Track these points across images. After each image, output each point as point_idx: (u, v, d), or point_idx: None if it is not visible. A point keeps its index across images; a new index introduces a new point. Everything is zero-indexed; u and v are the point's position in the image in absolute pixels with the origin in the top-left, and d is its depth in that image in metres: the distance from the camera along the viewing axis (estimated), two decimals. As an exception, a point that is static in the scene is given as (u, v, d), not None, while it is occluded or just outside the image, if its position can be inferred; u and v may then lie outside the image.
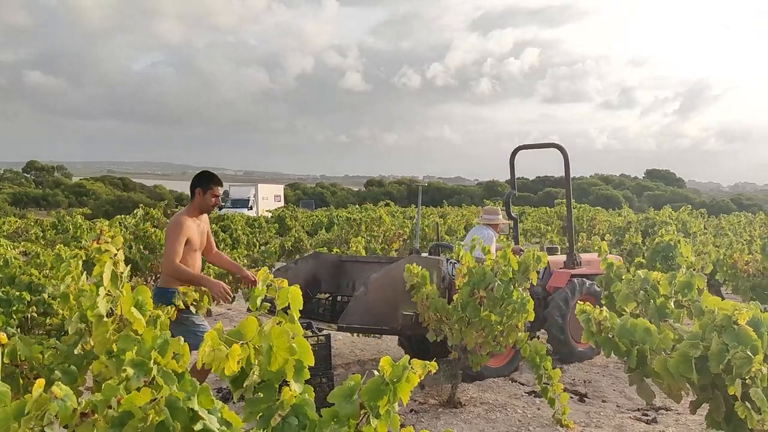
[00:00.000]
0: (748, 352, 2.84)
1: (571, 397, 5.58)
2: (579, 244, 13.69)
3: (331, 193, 72.72)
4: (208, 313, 9.40)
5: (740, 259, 8.12)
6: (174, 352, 1.82)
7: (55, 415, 1.48)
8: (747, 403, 2.86)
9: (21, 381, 3.03)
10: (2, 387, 1.62)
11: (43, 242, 14.15)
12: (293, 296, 2.01)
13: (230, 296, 4.93)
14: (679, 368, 2.95)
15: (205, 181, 4.79)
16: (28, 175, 72.74)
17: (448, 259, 6.09)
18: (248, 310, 2.69)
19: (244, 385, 1.83)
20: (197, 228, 4.76)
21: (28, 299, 3.98)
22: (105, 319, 2.11)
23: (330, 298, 6.37)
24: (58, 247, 4.52)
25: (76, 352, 2.60)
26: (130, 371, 1.70)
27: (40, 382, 1.53)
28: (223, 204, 44.60)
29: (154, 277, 11.14)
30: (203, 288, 4.47)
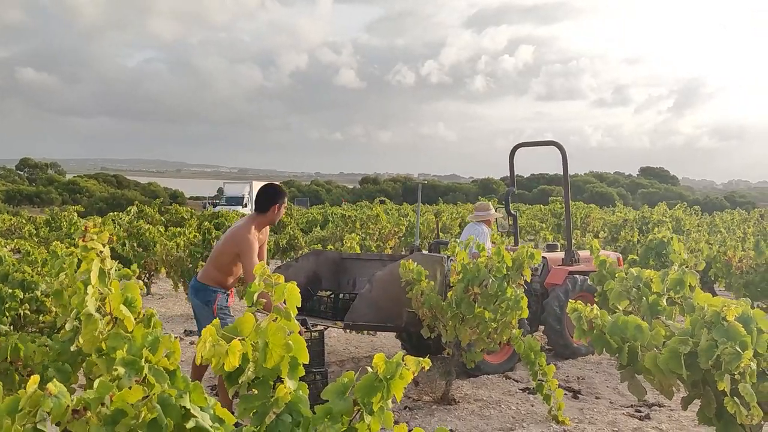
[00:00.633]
0: (737, 348, 2.86)
1: (565, 394, 5.60)
2: (573, 241, 13.69)
3: (326, 190, 72.67)
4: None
5: (733, 256, 8.17)
6: (165, 350, 1.81)
7: (48, 413, 1.48)
8: (736, 399, 2.88)
9: (16, 377, 3.03)
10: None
11: (36, 240, 14.08)
12: (290, 293, 1.99)
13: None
14: (668, 364, 2.97)
15: (281, 196, 4.85)
16: (22, 173, 72.42)
17: (449, 257, 6.10)
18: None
19: (239, 382, 1.83)
20: (257, 239, 4.79)
21: (21, 297, 3.97)
22: (95, 317, 2.10)
23: (332, 296, 6.38)
24: (54, 243, 4.50)
25: (72, 348, 2.59)
26: (121, 370, 1.70)
27: (35, 379, 1.53)
28: (217, 202, 44.53)
29: (147, 275, 11.13)
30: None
